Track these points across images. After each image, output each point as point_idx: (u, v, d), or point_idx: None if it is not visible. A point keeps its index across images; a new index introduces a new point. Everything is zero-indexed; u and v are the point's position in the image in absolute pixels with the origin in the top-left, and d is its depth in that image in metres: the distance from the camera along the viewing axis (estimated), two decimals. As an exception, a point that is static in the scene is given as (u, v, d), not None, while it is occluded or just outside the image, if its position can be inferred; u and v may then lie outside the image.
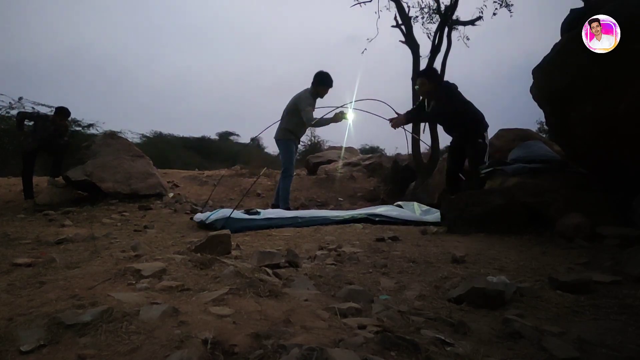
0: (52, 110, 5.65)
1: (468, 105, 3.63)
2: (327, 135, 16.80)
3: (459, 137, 3.77)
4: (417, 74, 4.02)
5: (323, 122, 4.41)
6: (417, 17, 7.27)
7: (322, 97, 4.49)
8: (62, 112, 5.55)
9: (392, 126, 3.71)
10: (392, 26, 6.90)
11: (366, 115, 4.57)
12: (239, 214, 3.57)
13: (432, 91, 3.67)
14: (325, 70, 4.48)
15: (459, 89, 3.64)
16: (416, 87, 3.91)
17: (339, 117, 4.32)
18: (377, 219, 3.51)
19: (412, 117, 3.99)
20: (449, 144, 4.35)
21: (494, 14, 7.10)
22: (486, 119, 3.67)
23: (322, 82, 4.42)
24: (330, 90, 4.51)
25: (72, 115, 5.96)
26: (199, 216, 3.76)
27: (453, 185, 3.71)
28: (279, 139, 4.60)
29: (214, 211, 3.75)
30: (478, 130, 3.57)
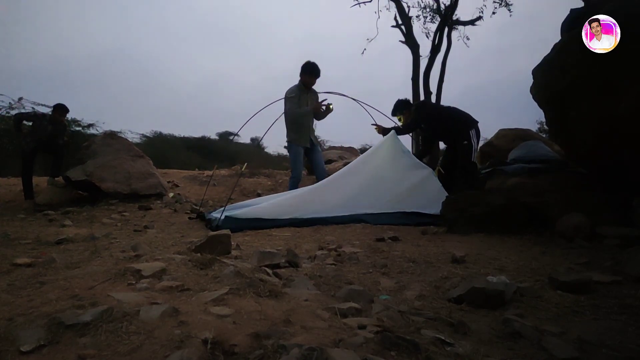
0: (50, 110, 5.66)
1: (444, 116, 4.13)
2: (327, 135, 16.70)
3: (447, 141, 4.39)
4: (397, 107, 4.36)
5: (304, 113, 4.36)
6: (418, 16, 7.28)
7: (308, 87, 4.47)
8: (61, 109, 5.55)
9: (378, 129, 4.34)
10: (392, 26, 6.91)
11: (365, 114, 4.60)
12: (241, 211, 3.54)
13: (413, 117, 4.25)
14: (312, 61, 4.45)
15: (434, 103, 4.08)
16: (399, 119, 4.37)
17: (316, 107, 4.34)
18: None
19: (395, 130, 4.29)
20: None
21: (493, 12, 7.12)
22: (481, 119, 4.02)
23: (304, 71, 4.41)
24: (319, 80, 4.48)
25: (93, 117, 6.00)
26: (213, 214, 3.77)
27: (445, 180, 3.96)
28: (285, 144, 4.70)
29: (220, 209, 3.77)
30: (461, 133, 3.94)
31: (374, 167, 3.94)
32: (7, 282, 1.45)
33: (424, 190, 3.73)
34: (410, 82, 6.59)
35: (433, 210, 3.41)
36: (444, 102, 6.70)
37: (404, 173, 3.87)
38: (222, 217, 3.38)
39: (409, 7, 7.00)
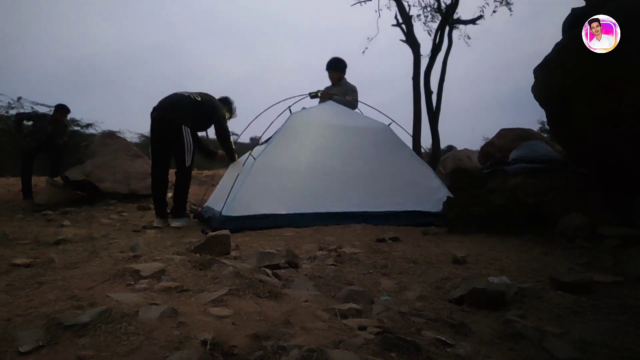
0: (51, 110, 5.66)
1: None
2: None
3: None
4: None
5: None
6: (419, 15, 7.26)
7: (333, 82, 4.62)
8: (62, 109, 5.56)
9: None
10: (393, 25, 6.89)
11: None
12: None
13: None
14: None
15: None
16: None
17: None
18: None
19: None
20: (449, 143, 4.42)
21: (494, 11, 7.10)
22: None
23: (327, 68, 4.54)
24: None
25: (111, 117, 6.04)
26: (211, 207, 3.78)
27: None
28: None
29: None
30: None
31: (372, 157, 3.81)
32: (5, 283, 1.44)
33: (425, 188, 3.71)
34: (411, 81, 6.57)
35: (435, 208, 3.40)
36: (445, 101, 6.67)
37: (403, 166, 3.81)
38: (220, 218, 3.35)
39: (409, 6, 6.98)
